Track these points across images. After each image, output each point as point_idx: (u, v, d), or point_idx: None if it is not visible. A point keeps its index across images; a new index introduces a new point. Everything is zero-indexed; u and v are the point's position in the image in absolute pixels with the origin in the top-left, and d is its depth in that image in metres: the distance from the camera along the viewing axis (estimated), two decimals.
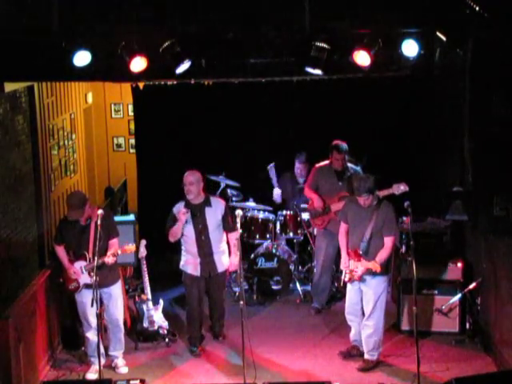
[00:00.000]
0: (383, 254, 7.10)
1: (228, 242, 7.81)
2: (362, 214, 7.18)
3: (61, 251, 7.27)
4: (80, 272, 7.16)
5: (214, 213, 7.61)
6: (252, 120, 10.09)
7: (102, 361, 6.96)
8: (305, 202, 9.21)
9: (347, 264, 7.22)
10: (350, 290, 7.38)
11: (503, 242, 7.07)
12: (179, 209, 7.55)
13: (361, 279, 7.15)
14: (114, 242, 7.24)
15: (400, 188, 7.70)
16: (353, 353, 7.58)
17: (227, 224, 7.67)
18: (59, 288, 7.50)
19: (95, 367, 7.15)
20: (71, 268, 7.18)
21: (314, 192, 8.57)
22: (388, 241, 7.13)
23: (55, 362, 7.63)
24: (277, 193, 9.48)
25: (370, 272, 7.09)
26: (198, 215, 7.56)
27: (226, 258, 7.78)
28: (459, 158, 8.06)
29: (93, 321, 7.17)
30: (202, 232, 7.58)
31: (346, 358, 7.55)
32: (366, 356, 7.38)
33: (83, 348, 7.63)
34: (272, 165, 9.40)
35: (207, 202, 7.62)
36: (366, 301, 7.27)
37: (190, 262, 7.67)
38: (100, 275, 6.84)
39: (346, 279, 7.26)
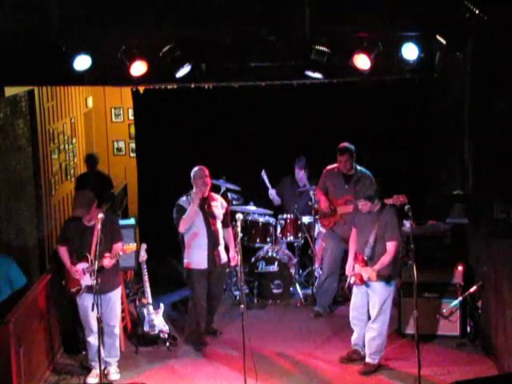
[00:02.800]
0: (385, 259, 7.07)
1: (224, 238, 7.96)
2: (367, 218, 7.17)
3: (63, 252, 7.23)
4: (82, 273, 7.14)
5: (221, 206, 7.86)
6: (252, 124, 10.09)
7: (103, 365, 6.95)
8: (305, 205, 9.22)
9: (351, 269, 7.23)
10: (357, 293, 7.37)
11: (504, 244, 7.06)
12: (187, 200, 7.65)
13: (366, 283, 7.15)
14: (117, 246, 7.22)
15: (399, 199, 7.70)
16: (353, 357, 7.54)
17: (226, 220, 7.92)
18: (60, 292, 7.48)
19: (96, 371, 7.13)
20: (73, 268, 7.16)
21: (322, 194, 8.61)
22: (390, 246, 7.11)
23: (56, 366, 7.61)
24: (271, 193, 9.55)
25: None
26: (206, 207, 7.71)
27: (224, 252, 7.94)
28: (459, 161, 8.08)
29: (94, 324, 7.13)
30: (211, 222, 7.73)
31: (347, 363, 7.54)
32: (368, 359, 7.36)
33: (84, 352, 7.63)
34: (263, 171, 9.53)
35: (211, 196, 7.82)
36: (372, 304, 7.26)
37: (197, 256, 7.72)
38: (101, 279, 6.81)
39: (352, 281, 7.28)
